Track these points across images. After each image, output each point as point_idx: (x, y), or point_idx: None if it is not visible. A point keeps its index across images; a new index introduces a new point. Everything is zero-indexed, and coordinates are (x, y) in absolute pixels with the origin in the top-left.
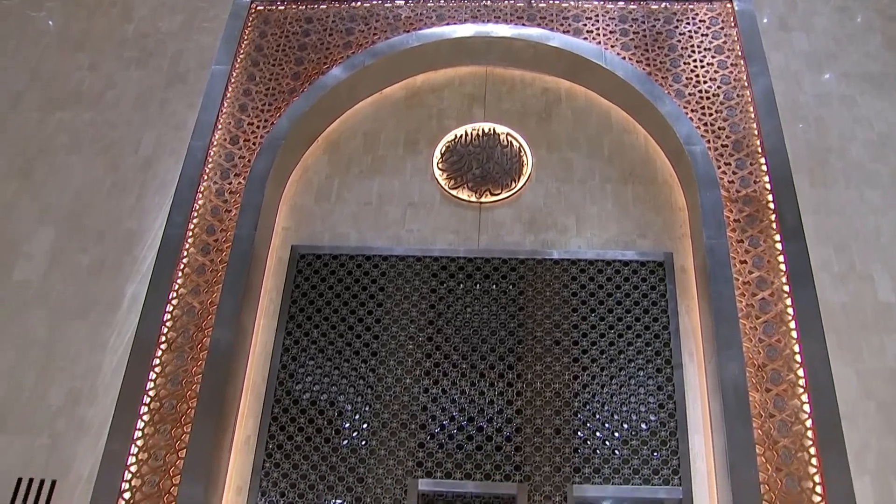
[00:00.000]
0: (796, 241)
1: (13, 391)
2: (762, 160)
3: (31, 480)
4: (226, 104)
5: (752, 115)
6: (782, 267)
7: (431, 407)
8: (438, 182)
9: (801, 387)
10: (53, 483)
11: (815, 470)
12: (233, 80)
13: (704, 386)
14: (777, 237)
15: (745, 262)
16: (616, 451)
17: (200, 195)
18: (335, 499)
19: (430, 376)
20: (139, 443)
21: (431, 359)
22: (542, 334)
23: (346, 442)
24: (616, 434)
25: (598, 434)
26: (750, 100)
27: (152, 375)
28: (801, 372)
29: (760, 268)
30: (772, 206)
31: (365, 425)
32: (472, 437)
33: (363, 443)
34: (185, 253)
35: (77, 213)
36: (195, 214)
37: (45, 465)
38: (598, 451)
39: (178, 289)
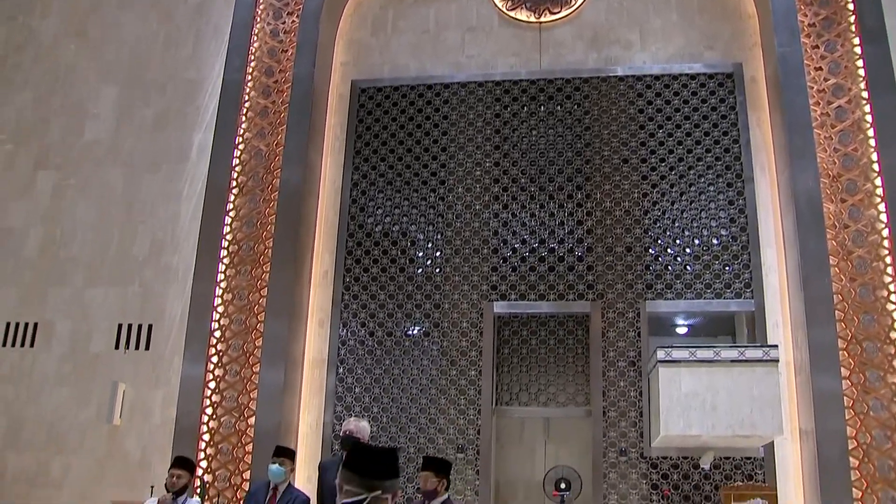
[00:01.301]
0: (877, 43)
1: (101, 246)
2: None
3: (129, 326)
4: None
5: None
6: (861, 72)
7: (502, 231)
8: (495, 4)
9: (879, 196)
10: (150, 327)
11: (890, 279)
12: None
13: (777, 199)
14: (856, 41)
15: (821, 68)
16: (688, 267)
17: (255, 38)
18: (413, 325)
19: (499, 201)
20: (223, 285)
21: (499, 184)
22: (610, 153)
23: (420, 270)
24: (687, 250)
25: (669, 250)
26: None
27: (228, 220)
28: (878, 181)
29: (837, 74)
30: (851, 6)
31: (438, 253)
32: (545, 259)
33: (437, 270)
34: (247, 97)
35: (136, 69)
36: (252, 58)
37: (140, 311)
38: (669, 267)
39: (244, 133)
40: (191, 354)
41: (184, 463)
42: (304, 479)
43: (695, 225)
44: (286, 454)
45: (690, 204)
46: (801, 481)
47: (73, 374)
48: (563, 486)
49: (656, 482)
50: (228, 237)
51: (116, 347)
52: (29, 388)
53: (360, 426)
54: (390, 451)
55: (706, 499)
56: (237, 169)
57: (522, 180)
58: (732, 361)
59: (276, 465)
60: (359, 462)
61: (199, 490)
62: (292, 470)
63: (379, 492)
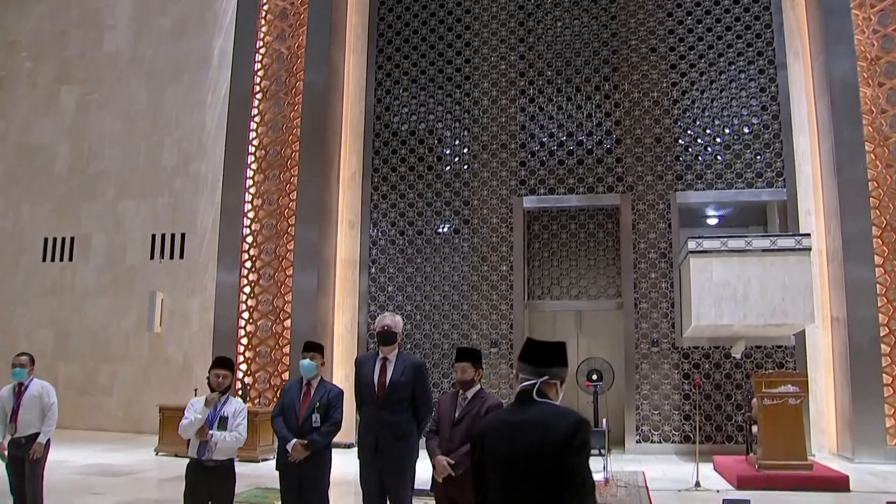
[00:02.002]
0: None
1: (129, 159)
2: None
3: (162, 236)
4: None
5: None
6: None
7: (530, 125)
8: None
9: None
10: (183, 236)
11: None
12: None
13: (811, 84)
14: None
15: None
16: (718, 157)
17: None
18: (443, 223)
19: (525, 95)
20: (251, 191)
21: (525, 77)
22: (637, 42)
23: (448, 168)
24: (718, 139)
25: (699, 140)
26: None
27: (253, 126)
28: None
29: None
30: None
31: (465, 150)
32: (573, 152)
33: (465, 167)
34: None
35: None
36: None
37: (171, 221)
38: (699, 158)
39: (264, 37)
40: (224, 261)
41: (226, 363)
42: (342, 377)
43: (725, 114)
44: (316, 349)
45: (721, 92)
46: (831, 368)
47: (112, 286)
48: (594, 377)
49: (688, 372)
50: (255, 143)
51: (151, 258)
52: (71, 300)
53: (395, 321)
54: (558, 344)
55: (737, 388)
56: (259, 74)
57: (548, 73)
58: (764, 251)
59: (307, 360)
60: (530, 353)
61: (240, 392)
62: (322, 364)
63: (547, 377)
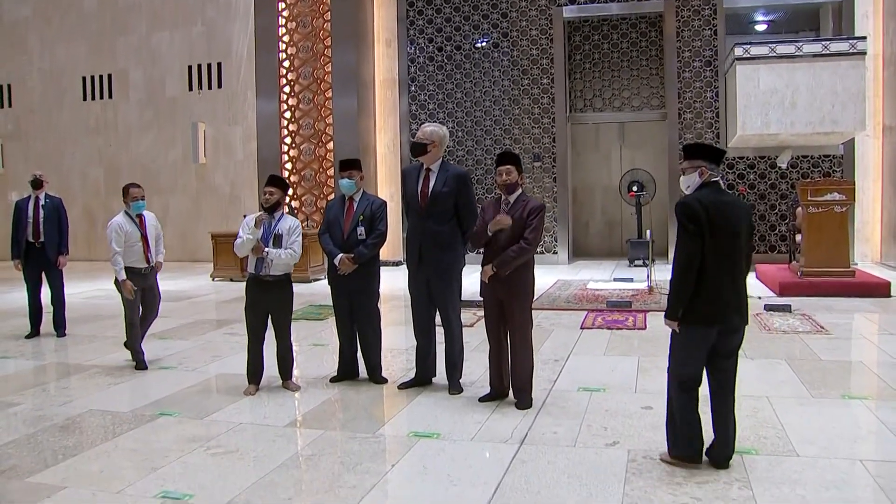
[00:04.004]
0: None
1: None
2: None
3: (199, 66)
4: None
5: None
6: None
7: None
8: None
9: None
10: (219, 65)
11: None
12: None
13: None
14: None
15: None
16: None
17: None
18: (482, 37)
19: None
20: (285, 14)
21: None
22: None
23: None
24: None
25: None
26: None
27: None
28: None
29: None
30: None
31: None
32: None
33: None
34: None
35: None
36: None
37: (207, 50)
38: None
39: None
40: (263, 87)
41: (276, 181)
42: (388, 197)
43: None
44: (352, 166)
45: None
46: (880, 177)
47: (155, 120)
48: (635, 188)
49: (732, 182)
50: None
51: (190, 89)
52: (117, 136)
53: (425, 131)
54: (708, 146)
55: (782, 197)
56: None
57: None
58: (815, 56)
59: (345, 178)
60: (711, 152)
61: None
62: (362, 178)
63: (703, 166)
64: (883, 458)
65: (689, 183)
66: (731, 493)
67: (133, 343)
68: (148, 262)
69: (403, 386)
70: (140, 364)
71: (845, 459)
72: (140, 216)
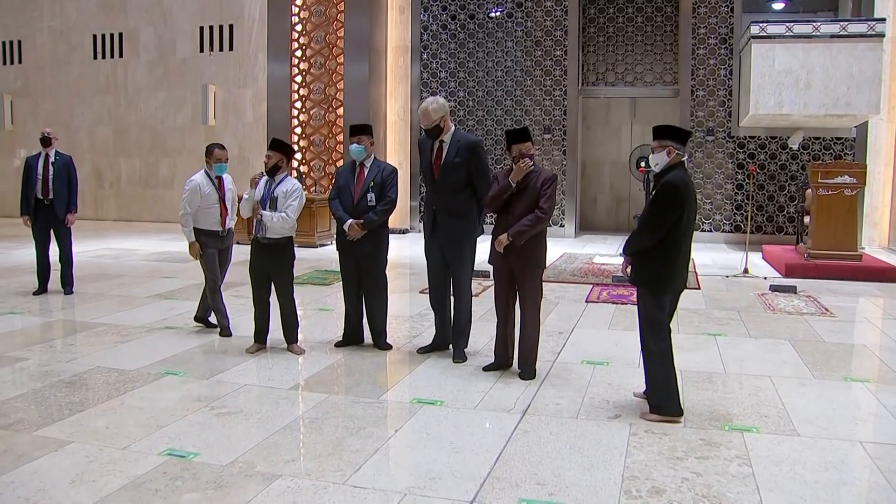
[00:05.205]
0: None
1: None
2: None
3: (210, 28)
4: None
5: None
6: None
7: None
8: None
9: None
10: (231, 27)
11: None
12: None
13: None
14: None
15: None
16: None
17: None
18: (496, 7)
19: None
20: None
21: None
22: None
23: None
24: None
25: None
26: None
27: None
28: None
29: None
30: None
31: None
32: None
33: None
34: None
35: None
36: None
37: (219, 11)
38: None
39: None
40: (274, 51)
41: (276, 145)
42: (396, 164)
43: None
44: (362, 131)
45: None
46: (892, 161)
47: (165, 80)
48: (644, 164)
49: (742, 162)
50: None
51: (201, 50)
52: (126, 96)
53: (428, 113)
54: (676, 127)
55: (791, 179)
56: None
57: None
58: (832, 37)
59: (355, 144)
60: (677, 133)
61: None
62: (372, 144)
63: (670, 146)
64: (882, 441)
65: (657, 161)
66: (731, 469)
67: (218, 306)
68: (223, 224)
69: (423, 350)
70: (224, 330)
71: (845, 440)
72: (219, 178)
